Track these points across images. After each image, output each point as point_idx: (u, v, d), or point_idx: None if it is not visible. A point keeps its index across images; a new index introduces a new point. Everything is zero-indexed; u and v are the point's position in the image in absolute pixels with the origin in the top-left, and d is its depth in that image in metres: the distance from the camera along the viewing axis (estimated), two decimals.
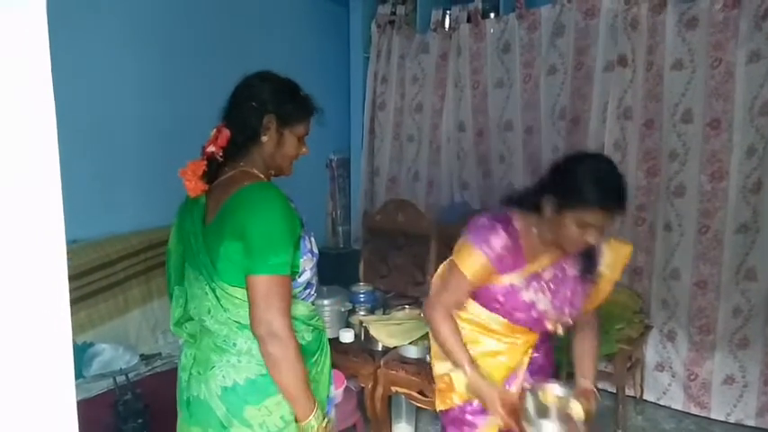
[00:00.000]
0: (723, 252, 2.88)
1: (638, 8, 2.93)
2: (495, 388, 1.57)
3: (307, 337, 1.41)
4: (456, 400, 1.75)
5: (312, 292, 1.46)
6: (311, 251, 1.39)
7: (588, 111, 3.19)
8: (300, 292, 1.40)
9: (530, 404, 1.52)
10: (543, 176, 1.52)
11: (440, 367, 1.79)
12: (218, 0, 3.12)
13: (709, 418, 3.00)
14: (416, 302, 3.16)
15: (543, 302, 1.56)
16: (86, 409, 2.06)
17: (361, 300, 3.01)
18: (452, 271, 1.62)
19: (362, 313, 2.94)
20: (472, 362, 1.59)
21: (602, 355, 2.97)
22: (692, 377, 3.04)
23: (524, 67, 3.35)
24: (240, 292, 1.31)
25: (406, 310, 2.96)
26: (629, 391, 3.08)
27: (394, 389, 2.63)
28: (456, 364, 1.63)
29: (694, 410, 3.04)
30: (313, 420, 1.32)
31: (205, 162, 1.37)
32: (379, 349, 2.73)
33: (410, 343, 2.65)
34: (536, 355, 1.69)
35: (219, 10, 3.12)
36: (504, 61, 3.41)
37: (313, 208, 4.02)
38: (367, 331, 2.79)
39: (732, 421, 2.95)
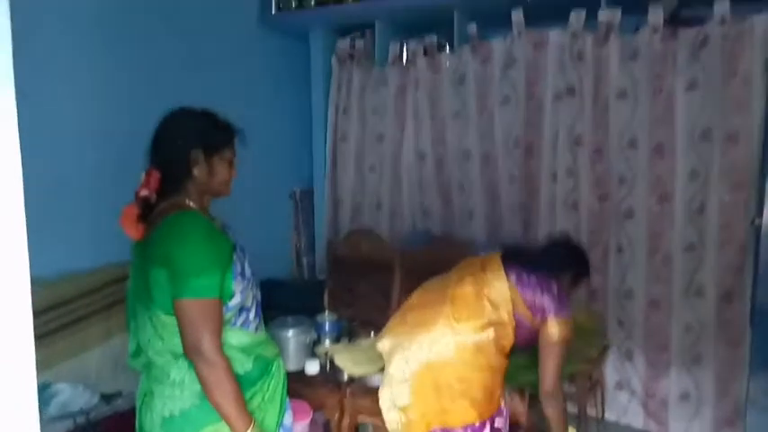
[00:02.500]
0: (673, 271, 3.00)
1: (584, 41, 3.09)
2: None
3: (246, 365, 1.44)
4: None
5: (251, 318, 1.49)
6: (242, 274, 1.44)
7: (541, 139, 3.32)
8: (235, 317, 1.44)
9: None
10: (565, 258, 2.16)
11: (388, 400, 2.03)
12: (175, 36, 3.15)
13: None
14: (382, 330, 3.19)
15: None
16: None
17: (327, 329, 3.02)
18: (559, 343, 1.98)
19: (328, 343, 2.95)
20: None
21: (565, 376, 3.04)
22: (651, 394, 3.13)
23: (479, 99, 3.47)
24: (172, 320, 1.37)
25: (372, 338, 2.98)
26: (591, 411, 3.15)
27: (360, 418, 2.63)
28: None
29: (653, 428, 3.12)
30: None
31: (137, 206, 1.42)
32: (345, 380, 2.74)
33: (376, 372, 2.67)
34: None
35: (177, 45, 3.16)
36: (460, 93, 3.53)
37: (277, 240, 4.03)
38: (332, 361, 2.80)
39: None
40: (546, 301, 1.97)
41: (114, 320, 2.69)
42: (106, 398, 2.45)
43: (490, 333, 1.96)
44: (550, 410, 2.06)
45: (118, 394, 2.49)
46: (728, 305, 2.90)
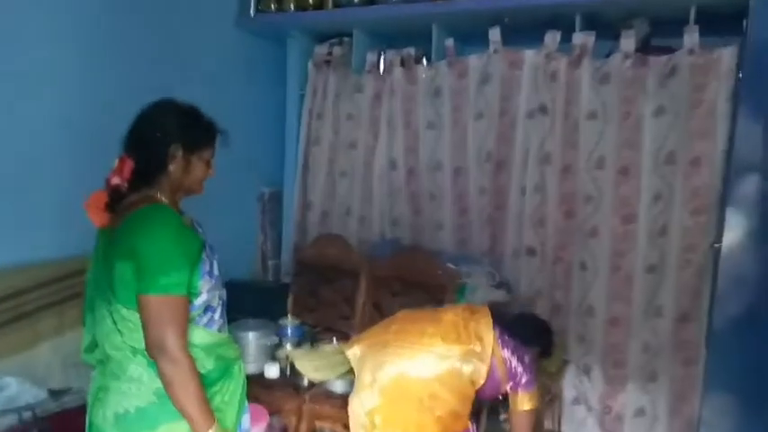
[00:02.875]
0: (633, 291, 3.06)
1: (558, 62, 3.16)
2: None
3: (207, 365, 1.41)
4: None
5: (216, 318, 1.47)
6: (210, 272, 1.42)
7: (512, 155, 3.36)
8: (199, 316, 1.42)
9: None
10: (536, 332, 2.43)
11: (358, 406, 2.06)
12: (151, 30, 3.10)
13: None
14: (345, 336, 3.16)
15: None
16: None
17: (288, 333, 3.00)
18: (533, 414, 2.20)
19: (289, 347, 2.92)
20: None
21: None
22: (607, 410, 3.17)
23: (454, 112, 3.50)
24: (134, 316, 1.33)
25: (334, 344, 2.96)
26: (548, 425, 3.18)
27: (319, 424, 2.61)
28: None
29: None
30: None
31: (107, 194, 1.39)
32: (305, 384, 2.71)
33: (337, 377, 2.65)
34: None
35: (152, 39, 3.11)
36: (435, 105, 3.56)
37: (243, 241, 3.97)
38: (293, 366, 2.77)
39: None
40: (520, 370, 2.13)
41: (68, 315, 2.60)
42: (54, 394, 2.36)
43: (470, 364, 2.04)
44: None
45: (66, 390, 2.41)
46: (685, 326, 2.96)
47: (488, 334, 2.11)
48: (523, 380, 2.14)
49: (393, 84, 3.65)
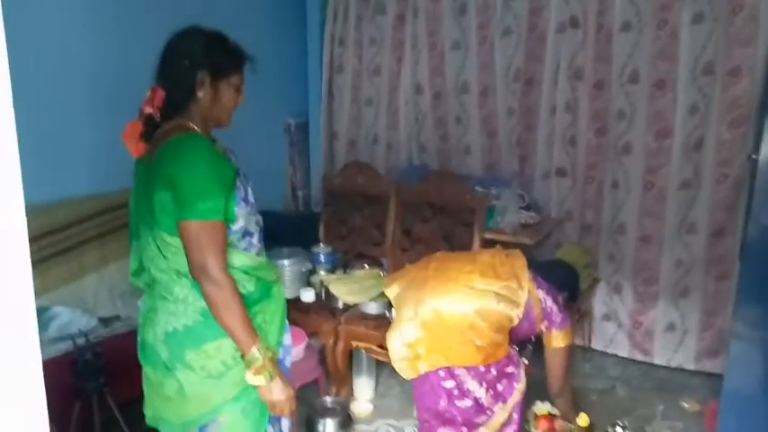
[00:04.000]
0: (666, 207, 3.02)
1: None
2: None
3: (248, 287, 1.47)
4: (423, 367, 2.07)
5: (254, 242, 1.52)
6: (245, 199, 1.45)
7: (541, 72, 3.25)
8: (238, 240, 1.46)
9: None
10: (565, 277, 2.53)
11: (398, 339, 2.10)
12: None
13: (653, 364, 3.19)
14: (376, 262, 3.23)
15: None
16: (46, 370, 2.06)
17: (322, 260, 3.07)
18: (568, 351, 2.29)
19: (323, 273, 3.00)
20: None
21: None
22: (637, 326, 3.21)
23: (480, 29, 3.38)
24: (176, 241, 1.38)
25: (366, 269, 3.03)
26: (578, 341, 3.24)
27: (355, 344, 2.71)
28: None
29: (639, 357, 3.23)
30: (256, 353, 1.39)
31: (142, 123, 1.41)
32: (340, 307, 2.81)
33: (370, 300, 2.73)
34: None
35: None
36: (460, 23, 3.43)
37: (272, 172, 4.01)
38: (327, 290, 2.86)
39: (673, 366, 3.15)
40: (555, 309, 2.19)
41: (110, 247, 2.71)
42: (104, 321, 2.50)
43: (507, 303, 2.09)
44: (561, 405, 2.38)
45: (116, 318, 2.55)
46: (720, 241, 2.94)
47: (524, 273, 2.16)
48: (558, 319, 2.19)
49: (416, 3, 3.52)
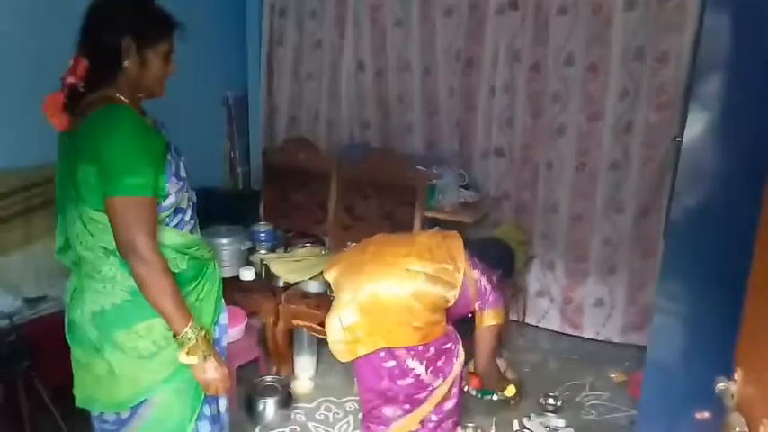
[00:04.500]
0: (597, 187, 3.16)
1: None
2: None
3: (181, 265, 1.43)
4: (362, 350, 2.10)
5: (186, 219, 1.47)
6: (177, 175, 1.40)
7: (481, 53, 3.30)
8: (170, 217, 1.42)
9: None
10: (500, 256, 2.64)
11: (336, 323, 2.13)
12: None
13: (582, 337, 3.35)
14: (317, 240, 3.22)
15: None
16: None
17: (262, 239, 3.03)
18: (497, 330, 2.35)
19: (263, 252, 2.96)
20: None
21: None
22: (568, 301, 3.36)
23: (422, 7, 3.38)
24: (103, 217, 1.32)
25: (307, 248, 3.02)
26: (513, 316, 3.37)
27: (296, 322, 2.71)
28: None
29: (569, 330, 3.38)
30: (189, 332, 1.36)
31: (64, 94, 1.33)
32: (280, 285, 2.79)
33: (311, 278, 2.72)
34: None
35: None
36: (403, 0, 3.42)
37: (211, 148, 3.88)
38: (268, 269, 2.83)
39: (601, 339, 3.32)
40: (488, 288, 2.25)
41: (35, 224, 2.57)
42: (30, 302, 2.38)
43: (442, 284, 2.13)
44: (488, 381, 2.49)
45: (43, 298, 2.43)
46: (645, 220, 3.10)
47: (460, 255, 2.20)
48: (491, 298, 2.26)
49: None
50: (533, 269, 3.41)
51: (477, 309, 2.27)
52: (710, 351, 1.44)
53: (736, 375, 1.04)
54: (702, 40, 1.72)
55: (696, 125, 1.72)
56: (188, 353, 1.37)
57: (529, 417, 2.59)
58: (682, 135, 1.96)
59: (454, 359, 2.18)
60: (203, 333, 1.39)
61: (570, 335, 3.38)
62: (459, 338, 2.24)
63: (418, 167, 3.17)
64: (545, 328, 3.44)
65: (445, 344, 2.17)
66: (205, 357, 1.38)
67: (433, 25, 3.37)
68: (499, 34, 3.22)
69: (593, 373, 3.01)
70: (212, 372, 1.40)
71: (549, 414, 2.62)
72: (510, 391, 2.52)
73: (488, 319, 2.27)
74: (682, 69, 2.84)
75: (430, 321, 2.12)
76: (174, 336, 1.37)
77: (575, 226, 3.25)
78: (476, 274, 2.24)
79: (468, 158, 3.47)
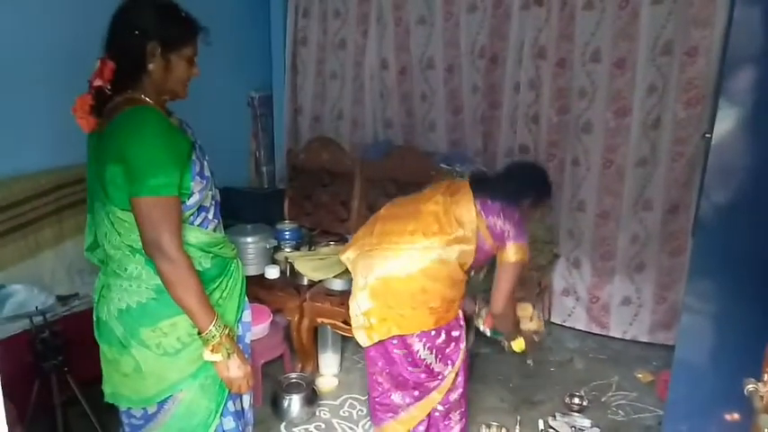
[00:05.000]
0: (624, 185, 3.10)
1: None
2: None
3: (204, 263, 1.46)
4: (376, 337, 2.05)
5: (210, 217, 1.49)
6: (201, 174, 1.43)
7: (506, 49, 3.27)
8: (193, 215, 1.44)
9: None
10: (527, 183, 2.15)
11: (355, 308, 2.08)
12: None
13: (609, 336, 3.31)
14: (341, 239, 3.24)
15: None
16: (3, 349, 2.01)
17: (287, 237, 3.06)
18: (515, 265, 2.08)
19: (288, 250, 2.99)
20: None
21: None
22: (594, 300, 3.32)
23: (445, 4, 3.36)
24: (129, 216, 1.35)
25: (331, 246, 3.03)
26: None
27: (320, 320, 2.73)
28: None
29: (596, 330, 3.34)
30: (214, 330, 1.38)
31: (91, 96, 1.36)
32: (305, 283, 2.81)
33: (335, 276, 2.74)
34: None
35: None
36: None
37: (235, 147, 3.94)
38: (292, 267, 2.85)
39: (628, 338, 3.27)
40: (507, 227, 2.05)
41: (66, 224, 2.64)
42: (62, 299, 2.44)
43: (455, 249, 2.04)
44: (502, 324, 2.26)
45: (74, 296, 2.49)
46: (674, 217, 3.04)
47: (470, 214, 2.06)
48: (512, 233, 2.05)
49: None
50: (558, 267, 3.37)
51: (498, 249, 2.09)
52: (740, 351, 1.41)
53: (767, 376, 1.02)
54: (732, 34, 1.68)
55: (726, 121, 1.67)
56: (212, 350, 1.39)
57: (554, 416, 2.57)
58: (711, 131, 1.93)
59: (461, 345, 2.15)
60: (227, 331, 1.42)
61: (597, 334, 3.33)
62: (464, 325, 2.19)
63: (442, 165, 3.16)
64: (571, 327, 3.40)
65: (454, 330, 2.12)
66: (229, 355, 1.41)
67: (457, 22, 3.36)
68: (524, 30, 3.19)
69: (619, 372, 2.97)
70: (235, 370, 1.43)
71: (575, 414, 2.60)
72: (518, 345, 2.33)
73: (509, 255, 2.05)
74: (712, 64, 2.78)
75: (446, 299, 2.05)
76: (199, 333, 1.40)
77: (601, 223, 3.21)
78: (490, 221, 2.06)
79: (493, 156, 3.45)
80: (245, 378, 1.45)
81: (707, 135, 2.64)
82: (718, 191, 1.77)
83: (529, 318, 2.39)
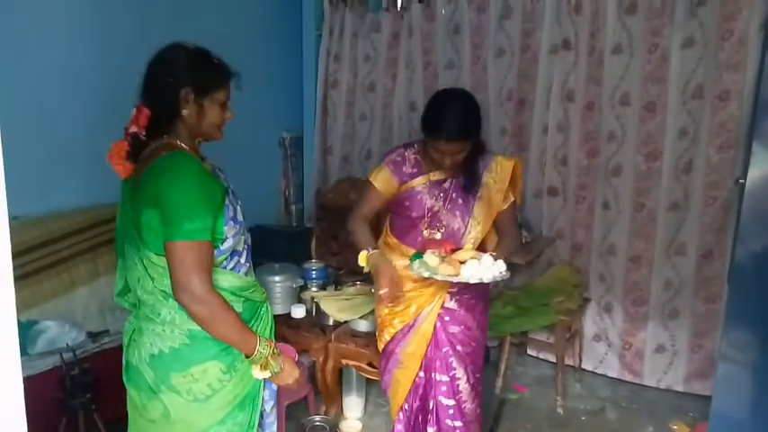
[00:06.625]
0: (656, 229, 3.05)
1: None
2: (391, 266, 2.00)
3: (237, 308, 1.46)
4: (386, 336, 2.13)
5: (243, 262, 1.51)
6: (234, 219, 1.45)
7: (533, 93, 3.29)
8: (227, 260, 1.46)
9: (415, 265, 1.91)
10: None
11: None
12: None
13: (642, 385, 3.19)
14: (367, 279, 3.23)
15: (438, 206, 2.04)
16: (33, 385, 2.01)
17: (313, 276, 3.06)
18: (366, 186, 2.11)
19: (314, 289, 2.99)
20: (375, 246, 2.05)
21: (543, 327, 3.12)
22: (627, 346, 3.22)
23: (473, 49, 3.42)
24: (163, 261, 1.37)
25: (357, 286, 3.03)
26: (569, 361, 3.25)
27: (345, 362, 2.70)
28: (362, 248, 2.04)
29: (628, 377, 3.23)
30: (261, 349, 1.43)
31: (127, 143, 1.40)
32: (330, 324, 2.80)
33: (360, 317, 2.72)
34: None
35: None
36: (454, 42, 3.47)
37: (266, 186, 4.02)
38: (318, 307, 2.85)
39: (663, 387, 3.16)
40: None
41: (101, 261, 2.70)
42: (93, 336, 2.47)
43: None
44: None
45: (104, 333, 2.52)
46: (708, 263, 2.96)
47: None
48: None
49: (411, 22, 3.56)
50: (589, 312, 3.30)
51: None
52: None
53: None
54: (764, 78, 1.67)
55: (760, 165, 1.64)
56: (261, 369, 1.44)
57: None
58: (745, 176, 1.89)
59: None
60: (272, 348, 1.46)
61: (629, 382, 3.22)
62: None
63: None
64: (603, 375, 3.30)
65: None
66: (278, 370, 1.47)
67: (485, 66, 3.40)
68: (552, 73, 3.21)
69: (653, 423, 2.86)
70: (288, 378, 1.50)
71: None
72: (361, 258, 2.04)
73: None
74: (744, 108, 2.74)
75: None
76: (247, 356, 1.43)
77: (633, 268, 3.14)
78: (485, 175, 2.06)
79: (521, 197, 3.43)
80: (295, 383, 1.53)
81: (740, 180, 2.59)
82: (755, 237, 1.72)
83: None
